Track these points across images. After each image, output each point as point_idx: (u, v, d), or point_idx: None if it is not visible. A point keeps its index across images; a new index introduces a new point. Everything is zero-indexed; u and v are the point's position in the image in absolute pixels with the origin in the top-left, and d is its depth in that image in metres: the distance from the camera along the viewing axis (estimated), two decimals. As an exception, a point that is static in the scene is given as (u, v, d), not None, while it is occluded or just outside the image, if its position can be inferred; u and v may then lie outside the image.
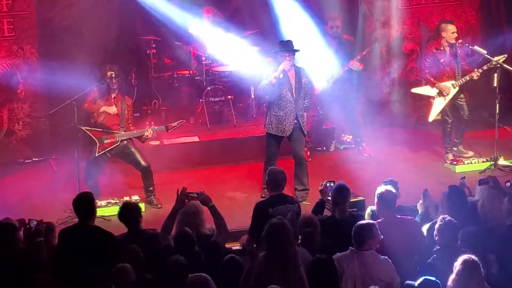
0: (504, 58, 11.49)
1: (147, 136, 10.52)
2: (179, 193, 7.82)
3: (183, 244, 7.20)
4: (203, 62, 13.21)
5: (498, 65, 11.40)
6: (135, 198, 10.26)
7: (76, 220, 7.84)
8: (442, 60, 11.70)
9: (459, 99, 11.85)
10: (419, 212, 8.29)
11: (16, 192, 10.93)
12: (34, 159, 12.25)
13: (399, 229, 7.57)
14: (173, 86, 13.60)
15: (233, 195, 10.76)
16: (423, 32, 13.47)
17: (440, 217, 7.34)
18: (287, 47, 10.28)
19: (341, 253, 7.08)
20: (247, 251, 7.30)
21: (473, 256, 6.51)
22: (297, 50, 10.37)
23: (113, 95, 10.46)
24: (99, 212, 9.70)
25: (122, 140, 10.43)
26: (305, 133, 10.64)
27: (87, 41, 12.17)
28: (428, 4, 13.55)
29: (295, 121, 10.37)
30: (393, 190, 7.86)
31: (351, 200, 8.44)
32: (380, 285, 6.78)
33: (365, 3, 13.19)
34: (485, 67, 11.58)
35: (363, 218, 7.85)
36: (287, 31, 11.74)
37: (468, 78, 11.64)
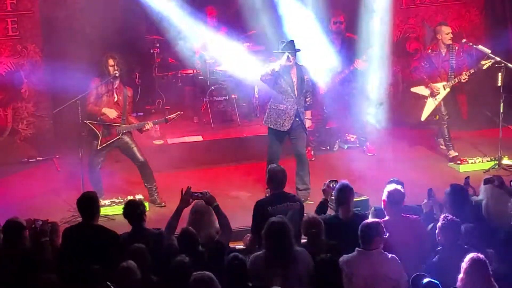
0: (490, 63, 11.51)
1: (147, 129, 10.54)
2: (184, 192, 7.82)
3: (187, 244, 7.20)
4: (207, 62, 13.21)
5: (502, 65, 11.41)
6: (138, 197, 10.27)
7: (80, 219, 7.84)
8: (435, 62, 11.83)
9: (451, 100, 12.02)
10: (424, 212, 8.28)
11: (20, 191, 10.95)
12: (38, 158, 12.26)
13: (405, 228, 7.56)
14: (177, 86, 13.61)
15: (236, 195, 10.76)
16: (426, 31, 13.46)
17: (442, 216, 7.34)
18: (289, 47, 10.28)
19: (348, 255, 7.07)
20: (250, 250, 7.31)
21: (480, 255, 6.50)
22: (298, 50, 10.37)
23: (115, 85, 10.42)
24: (103, 211, 9.69)
25: (123, 133, 10.43)
26: (306, 130, 10.62)
27: (91, 40, 12.16)
28: (432, 3, 13.54)
29: (297, 119, 10.37)
30: (402, 190, 7.85)
31: (355, 199, 8.44)
32: (389, 283, 6.79)
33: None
34: (472, 71, 11.72)
35: (367, 218, 7.83)
36: (290, 30, 11.73)
37: (456, 81, 11.79)
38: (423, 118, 12.11)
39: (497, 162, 11.46)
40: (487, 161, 11.55)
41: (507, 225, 7.80)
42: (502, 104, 11.49)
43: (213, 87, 13.12)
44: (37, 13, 12.15)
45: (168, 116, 10.67)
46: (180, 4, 12.70)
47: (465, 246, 7.11)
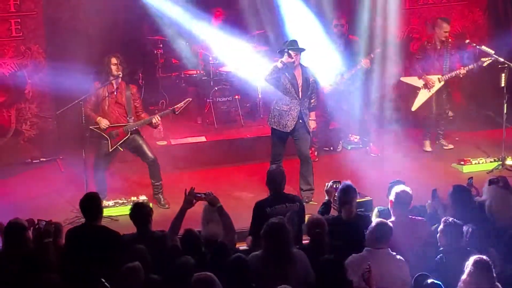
0: (490, 61, 11.69)
1: (156, 123, 10.47)
2: (187, 193, 7.83)
3: (190, 245, 7.21)
4: (210, 62, 13.23)
5: (506, 65, 11.42)
6: (142, 198, 10.29)
7: (84, 220, 7.85)
8: (431, 54, 12.06)
9: (444, 94, 12.23)
10: (428, 212, 8.28)
11: (24, 192, 10.97)
12: (41, 159, 12.26)
13: (410, 229, 7.57)
14: (180, 86, 13.61)
15: (240, 195, 10.76)
16: (430, 32, 13.45)
17: (443, 219, 7.33)
18: (292, 45, 10.28)
19: (357, 254, 7.07)
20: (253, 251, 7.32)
21: (484, 257, 6.49)
22: (303, 49, 10.37)
23: (116, 85, 10.40)
24: (107, 212, 9.74)
25: (131, 132, 10.43)
26: (310, 132, 10.63)
27: (95, 41, 12.17)
28: (435, 4, 13.54)
29: (300, 120, 10.38)
30: (410, 192, 7.85)
31: (359, 200, 8.46)
32: (396, 283, 6.80)
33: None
34: (471, 66, 11.93)
35: (370, 218, 7.84)
36: (293, 31, 11.74)
37: (453, 75, 11.99)
38: (413, 108, 12.34)
39: (501, 162, 11.47)
40: (491, 161, 11.56)
41: (510, 226, 7.79)
42: (505, 105, 11.49)
43: (216, 88, 13.13)
44: (40, 14, 12.16)
45: (176, 106, 10.61)
46: (184, 5, 12.72)
47: (467, 248, 7.12)
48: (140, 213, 7.72)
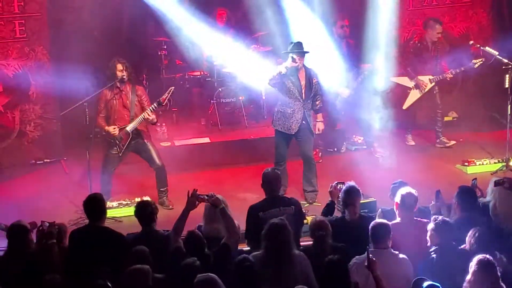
0: (481, 62, 11.90)
1: (149, 117, 10.36)
2: (190, 195, 7.82)
3: (193, 246, 7.22)
4: (214, 64, 13.23)
5: (510, 66, 11.42)
6: (146, 199, 10.26)
7: (88, 221, 7.86)
8: (423, 54, 12.27)
9: (434, 92, 12.46)
10: (432, 213, 8.26)
11: (28, 193, 10.98)
12: (45, 160, 12.27)
13: (416, 231, 7.56)
14: (184, 87, 13.62)
15: (244, 196, 10.75)
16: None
17: (433, 217, 7.34)
18: (296, 49, 10.28)
19: (360, 256, 7.07)
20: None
21: (488, 256, 6.50)
22: (307, 52, 10.37)
23: (121, 88, 10.40)
24: (111, 213, 9.76)
25: (133, 132, 10.42)
26: (314, 133, 10.62)
27: (98, 43, 12.20)
28: (439, 5, 13.53)
29: (303, 121, 10.38)
30: (415, 194, 7.84)
31: (362, 201, 8.46)
32: (400, 282, 6.82)
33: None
34: (458, 70, 12.14)
35: (374, 219, 7.83)
36: (297, 32, 11.73)
37: (441, 77, 12.21)
38: (405, 107, 12.57)
39: (505, 163, 11.45)
40: (495, 162, 11.54)
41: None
42: (510, 106, 11.47)
43: (220, 89, 13.13)
44: (44, 15, 12.16)
45: (161, 97, 10.47)
46: (188, 6, 12.72)
47: (460, 248, 7.14)
48: (145, 211, 7.76)
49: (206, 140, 12.61)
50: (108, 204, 9.85)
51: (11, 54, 12.09)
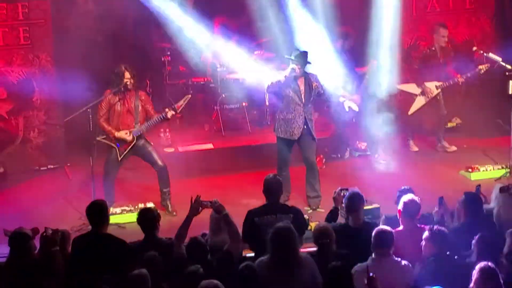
0: (486, 68, 11.97)
1: (168, 117, 10.47)
2: (193, 201, 7.82)
3: (196, 253, 7.22)
4: (218, 69, 13.24)
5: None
6: (149, 205, 10.27)
7: (90, 227, 7.86)
8: (431, 60, 12.29)
9: (438, 97, 12.49)
10: (435, 220, 8.26)
11: (31, 199, 10.98)
12: (49, 166, 12.30)
13: (419, 238, 7.54)
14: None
15: (248, 202, 10.70)
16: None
17: (428, 227, 7.28)
18: (299, 59, 10.26)
19: (363, 263, 7.06)
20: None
21: (490, 264, 6.46)
22: (308, 63, 10.37)
23: (126, 93, 10.39)
24: (114, 219, 9.75)
25: (137, 137, 10.44)
26: (315, 138, 10.61)
27: (102, 49, 12.21)
28: (442, 11, 13.54)
29: (304, 126, 10.38)
30: (418, 201, 7.83)
31: (366, 207, 8.43)
32: None
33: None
34: (469, 74, 12.19)
35: (378, 226, 7.82)
36: (300, 40, 11.75)
37: (451, 82, 12.23)
38: (410, 112, 12.61)
39: (509, 170, 11.43)
40: (498, 169, 11.52)
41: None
42: (513, 112, 11.48)
43: (224, 95, 13.14)
44: (49, 22, 12.20)
45: (176, 104, 10.54)
46: (192, 13, 12.74)
47: (456, 257, 7.11)
48: (147, 217, 7.75)
49: (210, 146, 12.62)
50: (111, 210, 9.86)
51: (16, 60, 12.13)
